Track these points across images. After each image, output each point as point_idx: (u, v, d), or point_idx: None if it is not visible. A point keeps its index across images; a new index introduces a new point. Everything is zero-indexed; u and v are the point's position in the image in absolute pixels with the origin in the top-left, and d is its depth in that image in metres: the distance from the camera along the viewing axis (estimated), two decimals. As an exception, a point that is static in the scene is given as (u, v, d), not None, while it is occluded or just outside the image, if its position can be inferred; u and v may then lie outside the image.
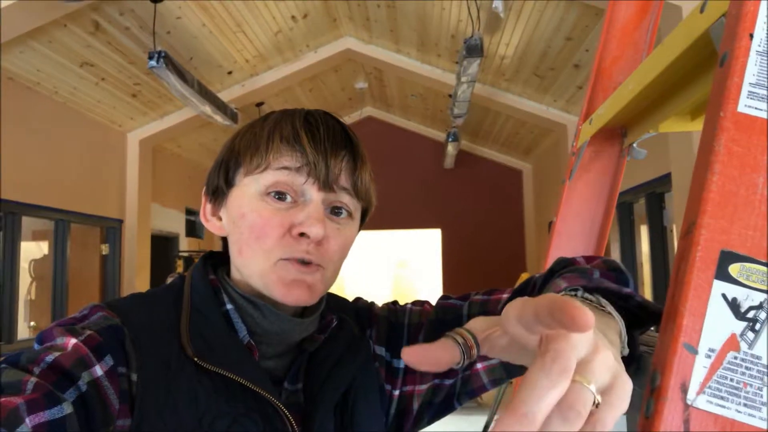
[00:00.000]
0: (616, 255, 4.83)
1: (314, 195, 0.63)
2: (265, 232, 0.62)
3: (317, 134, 0.64)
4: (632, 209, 4.74)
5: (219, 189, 0.68)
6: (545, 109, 5.80)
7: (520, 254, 8.42)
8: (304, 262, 0.62)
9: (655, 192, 4.19)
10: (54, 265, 5.08)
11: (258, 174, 0.63)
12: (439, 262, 8.64)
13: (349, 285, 8.56)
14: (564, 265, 0.60)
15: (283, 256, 0.62)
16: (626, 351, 0.46)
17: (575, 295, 0.49)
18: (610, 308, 0.47)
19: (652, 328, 0.54)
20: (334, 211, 0.66)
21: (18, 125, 4.43)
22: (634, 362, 0.50)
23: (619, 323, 0.47)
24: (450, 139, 6.89)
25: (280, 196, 0.63)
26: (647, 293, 4.53)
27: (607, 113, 0.91)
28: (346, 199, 0.66)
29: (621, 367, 0.36)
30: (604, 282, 0.50)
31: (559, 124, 5.80)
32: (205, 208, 0.71)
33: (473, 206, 8.59)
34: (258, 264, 0.63)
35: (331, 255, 0.64)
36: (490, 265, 8.26)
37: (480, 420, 4.91)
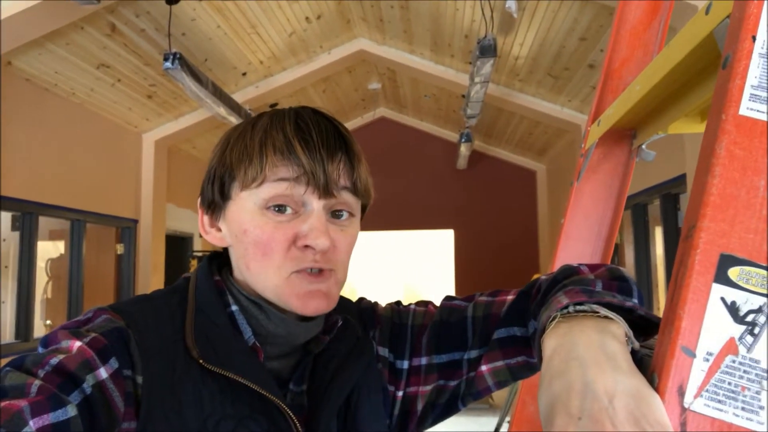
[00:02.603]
0: (630, 257, 4.79)
1: (315, 204, 0.62)
2: (271, 248, 0.61)
3: (310, 141, 0.62)
4: (647, 210, 4.69)
5: (215, 202, 0.67)
6: (559, 110, 5.76)
7: (533, 255, 8.38)
8: (316, 271, 0.63)
9: (670, 193, 4.14)
10: (70, 265, 5.14)
11: (255, 188, 0.62)
12: (452, 263, 8.62)
13: (359, 286, 8.56)
14: (568, 275, 0.60)
15: (294, 269, 0.62)
16: (637, 345, 0.46)
17: (568, 312, 0.49)
18: (604, 311, 0.47)
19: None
20: (335, 213, 0.65)
21: (36, 126, 4.49)
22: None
23: (619, 321, 0.47)
24: (463, 140, 6.85)
25: (280, 208, 0.62)
26: (661, 295, 4.49)
27: (616, 114, 0.90)
28: (347, 200, 0.65)
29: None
30: (606, 296, 0.50)
31: (573, 124, 5.76)
32: (203, 220, 0.69)
33: (486, 207, 8.55)
34: (270, 279, 0.63)
35: (339, 257, 0.65)
36: (503, 266, 8.22)
37: (491, 422, 4.89)
